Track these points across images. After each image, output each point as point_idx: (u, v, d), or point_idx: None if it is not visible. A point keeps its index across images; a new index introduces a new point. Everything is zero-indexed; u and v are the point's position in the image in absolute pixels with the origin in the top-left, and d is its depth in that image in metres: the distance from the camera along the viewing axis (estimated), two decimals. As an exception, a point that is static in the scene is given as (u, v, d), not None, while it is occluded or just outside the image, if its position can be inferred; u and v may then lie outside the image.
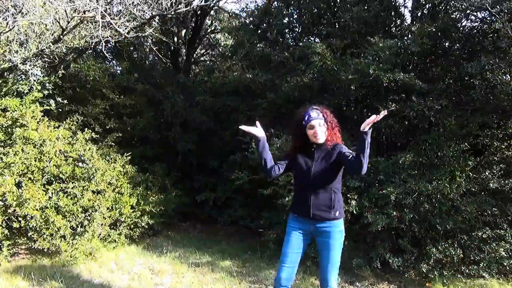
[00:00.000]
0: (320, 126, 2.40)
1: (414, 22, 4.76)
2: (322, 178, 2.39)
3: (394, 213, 3.84)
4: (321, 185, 2.38)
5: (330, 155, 2.42)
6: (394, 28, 5.18)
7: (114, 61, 7.88)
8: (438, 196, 3.88)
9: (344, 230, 2.48)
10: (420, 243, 3.97)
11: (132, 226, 4.85)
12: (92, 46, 5.07)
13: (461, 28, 4.60)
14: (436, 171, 3.98)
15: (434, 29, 4.19)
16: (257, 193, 4.65)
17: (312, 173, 2.39)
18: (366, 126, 2.18)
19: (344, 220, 2.50)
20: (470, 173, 4.00)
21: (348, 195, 4.08)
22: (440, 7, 4.76)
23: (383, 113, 2.16)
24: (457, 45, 4.63)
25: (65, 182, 4.24)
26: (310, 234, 2.47)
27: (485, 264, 3.75)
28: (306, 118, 2.44)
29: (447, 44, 4.66)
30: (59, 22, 4.49)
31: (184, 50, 8.09)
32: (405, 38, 4.68)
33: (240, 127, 2.47)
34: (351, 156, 2.32)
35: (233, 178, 4.91)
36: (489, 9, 3.86)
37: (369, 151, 2.20)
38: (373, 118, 2.18)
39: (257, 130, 2.47)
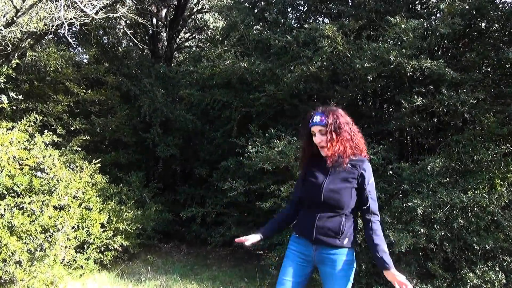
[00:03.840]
0: (321, 134, 2.37)
1: (444, -2, 4.77)
2: (334, 199, 2.36)
3: (422, 230, 3.83)
4: (331, 206, 2.36)
5: (349, 174, 2.38)
6: (419, 6, 5.20)
7: (79, 48, 7.94)
8: (475, 209, 3.88)
9: (355, 263, 2.43)
10: (454, 266, 3.97)
11: (102, 249, 4.84)
12: (52, 30, 5.07)
13: (500, 5, 4.59)
14: (472, 179, 3.98)
15: (467, 7, 4.19)
16: (255, 207, 4.64)
17: (323, 190, 2.37)
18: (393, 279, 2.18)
19: (354, 251, 2.45)
20: (514, 181, 4.01)
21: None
22: (475, -20, 4.79)
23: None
24: (496, 25, 4.63)
25: (21, 196, 4.21)
26: (312, 262, 2.44)
27: (532, 291, 3.77)
28: (310, 121, 2.44)
29: (483, 24, 4.67)
30: (11, 1, 4.48)
31: (165, 34, 8.11)
32: (433, 17, 4.69)
33: (235, 240, 2.53)
34: (367, 205, 2.34)
35: (225, 189, 4.90)
36: (534, -18, 3.90)
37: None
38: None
39: (253, 236, 2.50)
